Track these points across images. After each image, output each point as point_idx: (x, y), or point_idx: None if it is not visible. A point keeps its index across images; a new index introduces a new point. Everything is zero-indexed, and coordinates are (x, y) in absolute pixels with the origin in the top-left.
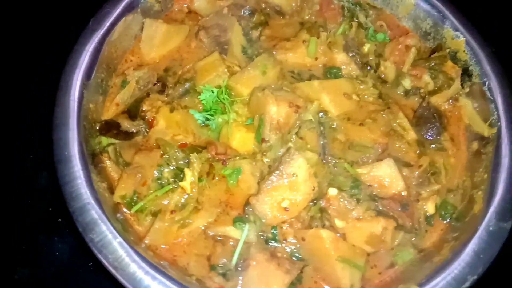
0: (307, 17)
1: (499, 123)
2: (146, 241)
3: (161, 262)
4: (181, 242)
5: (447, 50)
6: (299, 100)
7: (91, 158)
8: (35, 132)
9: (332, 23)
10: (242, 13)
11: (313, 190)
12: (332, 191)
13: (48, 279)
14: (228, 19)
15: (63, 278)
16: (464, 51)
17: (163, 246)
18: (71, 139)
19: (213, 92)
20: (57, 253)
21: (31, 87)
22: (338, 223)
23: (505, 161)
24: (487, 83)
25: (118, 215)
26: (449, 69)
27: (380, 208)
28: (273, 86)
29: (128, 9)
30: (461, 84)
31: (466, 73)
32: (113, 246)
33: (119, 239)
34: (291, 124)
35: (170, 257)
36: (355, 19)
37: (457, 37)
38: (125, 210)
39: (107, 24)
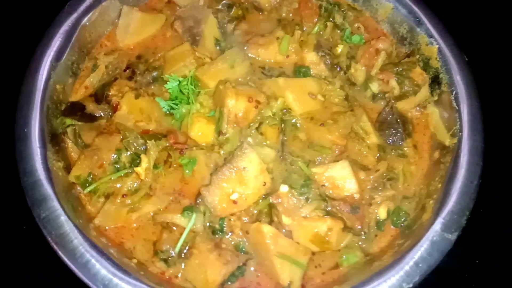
0: (285, 14)
1: (460, 133)
2: (96, 222)
3: (105, 242)
4: (130, 226)
5: (420, 57)
6: (260, 95)
7: (52, 138)
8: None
9: (309, 22)
10: (220, 6)
11: (264, 185)
12: (283, 188)
13: None
14: (203, 11)
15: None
16: (436, 58)
17: (108, 227)
18: (33, 118)
19: (179, 81)
20: None
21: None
22: (285, 219)
23: (460, 172)
24: (454, 92)
25: (72, 192)
26: (417, 76)
27: (329, 208)
28: (240, 79)
29: None
30: (431, 92)
31: (436, 81)
32: (58, 222)
33: (65, 216)
34: (250, 119)
35: (117, 239)
36: (331, 19)
37: (431, 44)
38: (79, 189)
39: (83, 8)
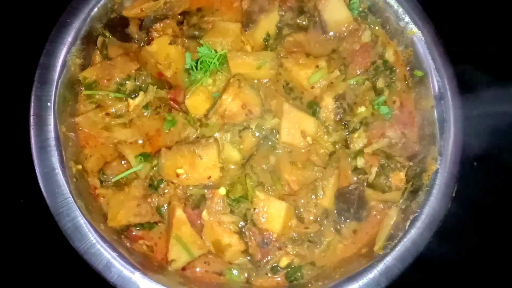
0: (342, 48)
1: (389, 251)
2: (76, 119)
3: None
4: (98, 138)
5: (419, 165)
6: (256, 108)
7: (85, 36)
8: None
9: (355, 68)
10: (291, 5)
11: (208, 178)
12: (221, 190)
13: None
14: (273, 4)
15: None
16: (429, 176)
17: (82, 128)
18: (80, 13)
19: (210, 51)
20: None
21: None
22: (204, 214)
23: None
24: (414, 216)
25: (74, 88)
26: (396, 180)
27: (244, 230)
28: (255, 81)
29: None
30: (402, 199)
31: (413, 195)
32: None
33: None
34: (236, 121)
35: (83, 142)
36: (374, 79)
37: (435, 161)
38: (81, 88)
39: None
